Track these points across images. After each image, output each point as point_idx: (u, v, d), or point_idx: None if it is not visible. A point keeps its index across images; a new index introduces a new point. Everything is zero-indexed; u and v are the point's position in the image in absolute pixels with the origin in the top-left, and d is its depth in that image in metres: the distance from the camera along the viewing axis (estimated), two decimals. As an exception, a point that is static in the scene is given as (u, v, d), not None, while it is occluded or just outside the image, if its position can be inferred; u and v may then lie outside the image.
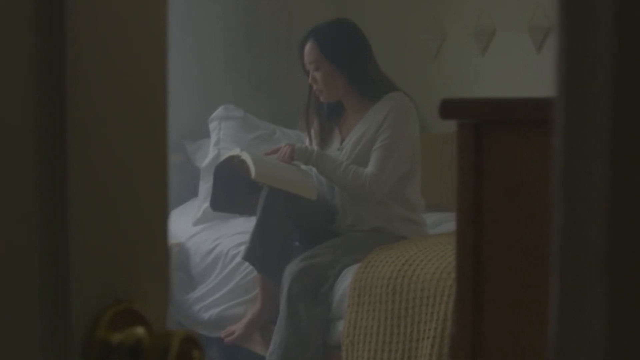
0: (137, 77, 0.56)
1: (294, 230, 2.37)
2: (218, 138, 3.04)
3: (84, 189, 0.50)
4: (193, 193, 3.08)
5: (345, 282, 2.18)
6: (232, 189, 2.47)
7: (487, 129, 0.80)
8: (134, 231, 0.55)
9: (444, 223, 2.78)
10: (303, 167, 2.49)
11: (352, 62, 2.42)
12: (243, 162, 2.34)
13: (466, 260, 0.78)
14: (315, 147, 2.46)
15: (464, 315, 0.80)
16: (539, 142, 0.79)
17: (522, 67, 3.09)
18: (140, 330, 0.52)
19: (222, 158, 2.50)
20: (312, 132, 2.58)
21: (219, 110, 3.11)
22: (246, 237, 2.40)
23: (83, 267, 0.50)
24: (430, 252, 2.08)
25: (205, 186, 2.84)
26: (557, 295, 0.39)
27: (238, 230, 2.71)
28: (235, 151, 2.43)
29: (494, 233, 0.79)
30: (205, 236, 2.79)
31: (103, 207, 0.52)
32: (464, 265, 0.79)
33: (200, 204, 2.89)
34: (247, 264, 2.44)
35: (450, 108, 0.80)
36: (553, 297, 0.39)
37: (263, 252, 2.33)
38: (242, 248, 2.44)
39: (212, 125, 3.09)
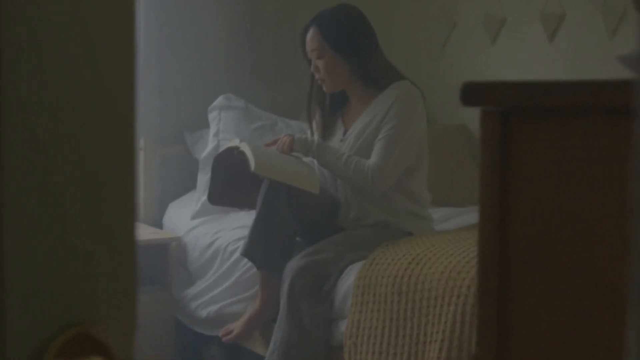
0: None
1: (296, 225, 2.27)
2: (218, 128, 2.94)
3: (21, 191, 0.40)
4: (193, 185, 2.99)
5: (349, 280, 2.08)
6: (231, 182, 2.37)
7: (516, 117, 0.70)
8: (91, 244, 0.45)
9: (450, 219, 2.68)
10: (305, 159, 2.39)
11: (356, 50, 2.31)
12: (242, 153, 2.23)
13: (490, 270, 0.68)
14: (315, 137, 2.35)
15: (488, 334, 0.70)
16: (577, 133, 0.69)
17: (533, 57, 2.98)
18: (97, 360, 0.43)
19: (221, 149, 2.40)
20: (314, 123, 2.47)
21: (219, 100, 3.02)
22: (247, 232, 2.30)
23: (22, 286, 0.40)
24: (438, 249, 1.98)
25: (204, 178, 2.75)
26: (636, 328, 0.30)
27: (238, 224, 2.62)
28: (235, 142, 2.33)
29: (523, 237, 0.69)
30: (204, 230, 2.70)
31: (47, 215, 0.42)
32: (488, 277, 0.68)
33: (199, 196, 2.80)
34: (246, 259, 2.34)
35: (473, 93, 0.70)
36: (632, 330, 0.30)
37: (263, 248, 2.23)
38: (242, 243, 2.34)
39: (212, 115, 3.00)
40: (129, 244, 0.50)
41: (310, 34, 2.34)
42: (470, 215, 2.70)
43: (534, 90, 0.69)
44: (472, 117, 3.22)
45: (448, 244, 2.01)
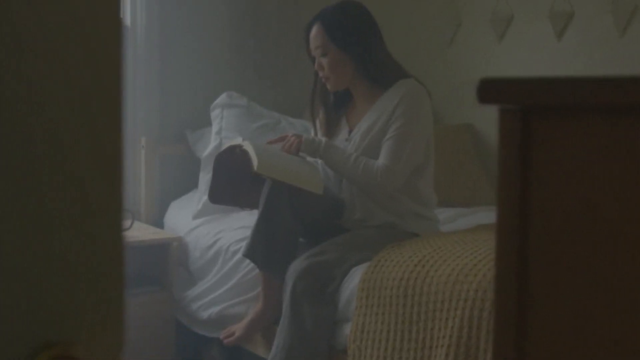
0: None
1: (299, 225, 2.22)
2: (220, 127, 2.90)
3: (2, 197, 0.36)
4: (194, 185, 2.95)
5: (353, 282, 2.04)
6: (233, 181, 2.32)
7: (537, 115, 0.66)
8: (74, 254, 0.40)
9: (456, 220, 2.64)
10: (309, 158, 2.35)
11: (361, 47, 2.26)
12: (245, 152, 2.18)
13: (509, 279, 0.64)
14: (323, 138, 2.30)
15: (505, 338, 0.66)
16: (601, 131, 0.64)
17: (541, 55, 2.93)
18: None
19: (223, 148, 2.35)
20: (318, 121, 2.43)
21: (222, 98, 2.98)
22: (249, 232, 2.25)
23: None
24: (444, 251, 1.93)
25: (206, 177, 2.71)
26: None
27: (240, 225, 2.58)
28: (237, 140, 2.28)
29: (544, 239, 0.65)
30: (205, 230, 2.66)
31: (29, 222, 0.37)
32: (506, 281, 0.64)
33: (201, 196, 2.76)
34: (248, 260, 2.29)
35: (490, 90, 0.65)
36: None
37: (265, 249, 2.18)
38: (244, 244, 2.29)
39: (214, 114, 2.96)
40: (115, 255, 0.46)
41: (313, 31, 2.30)
42: (477, 216, 2.65)
43: (555, 86, 0.64)
44: (477, 116, 3.17)
45: (455, 245, 1.96)
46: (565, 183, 0.64)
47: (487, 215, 2.63)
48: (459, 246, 1.95)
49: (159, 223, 2.94)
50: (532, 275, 0.66)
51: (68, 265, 0.41)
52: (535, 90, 0.65)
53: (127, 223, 2.60)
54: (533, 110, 0.65)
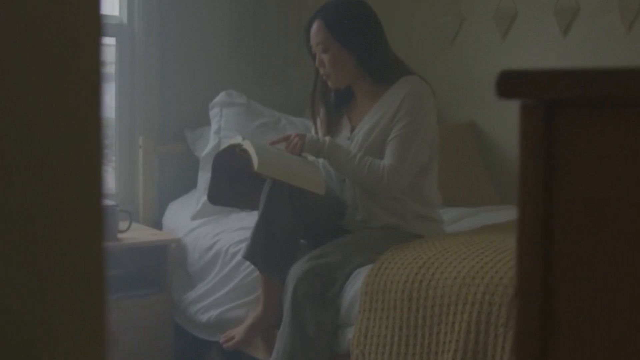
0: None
1: (300, 226, 2.17)
2: (219, 126, 2.85)
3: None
4: (193, 185, 2.90)
5: (356, 285, 1.98)
6: (232, 181, 2.27)
7: (561, 110, 0.60)
8: (47, 266, 0.35)
9: (461, 220, 2.59)
10: (310, 158, 2.29)
11: (363, 43, 2.21)
12: (245, 151, 2.13)
13: (533, 289, 0.58)
14: (327, 137, 2.24)
15: (529, 343, 0.61)
16: (630, 126, 0.59)
17: (546, 53, 2.88)
18: None
19: (223, 147, 2.30)
20: (319, 120, 2.37)
21: (221, 96, 2.93)
22: (249, 234, 2.20)
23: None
24: (450, 253, 1.87)
25: (205, 177, 2.65)
26: None
27: (240, 226, 2.53)
28: (237, 140, 2.22)
29: (571, 249, 0.60)
30: (204, 231, 2.61)
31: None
32: (529, 284, 0.59)
33: (200, 196, 2.71)
34: (248, 262, 2.24)
35: (511, 84, 0.60)
36: None
37: (265, 251, 2.13)
38: (243, 245, 2.24)
39: (213, 112, 2.91)
40: (96, 264, 0.41)
41: (314, 26, 2.24)
42: (481, 216, 2.60)
43: (581, 78, 0.59)
44: (480, 114, 3.12)
45: (461, 247, 1.91)
46: (592, 183, 0.59)
47: (491, 216, 2.58)
48: (465, 248, 1.90)
49: (157, 224, 2.89)
50: (558, 284, 0.61)
51: (40, 274, 0.36)
52: (559, 83, 0.59)
53: (125, 224, 2.55)
54: (557, 104, 0.59)
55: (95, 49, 0.44)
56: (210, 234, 2.57)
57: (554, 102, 0.59)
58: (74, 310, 0.38)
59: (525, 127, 0.60)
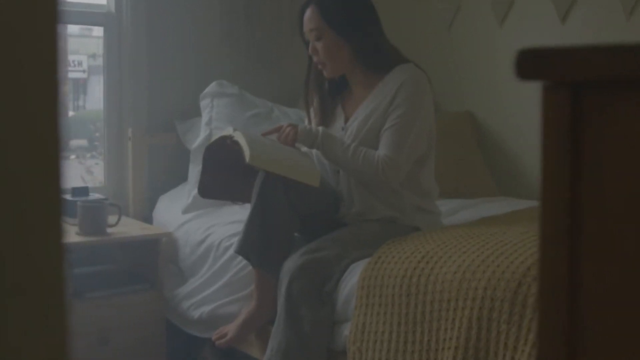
0: None
1: (294, 220, 2.10)
2: (210, 117, 2.78)
3: None
4: (184, 177, 2.84)
5: (352, 279, 1.92)
6: (224, 174, 2.20)
7: (591, 93, 0.54)
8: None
9: (458, 212, 2.53)
10: (304, 149, 2.23)
11: (359, 30, 2.14)
12: (236, 143, 2.06)
13: (558, 290, 0.52)
14: (320, 128, 2.18)
15: (553, 347, 0.55)
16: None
17: (544, 40, 2.81)
18: None
19: (214, 138, 2.23)
20: (312, 110, 2.30)
21: (212, 86, 2.86)
22: (241, 227, 2.13)
23: None
24: (449, 246, 1.81)
25: (196, 170, 2.59)
26: None
27: (232, 219, 2.46)
28: (228, 131, 2.15)
29: (600, 245, 0.54)
30: (196, 225, 2.54)
31: None
32: (554, 283, 0.53)
33: (191, 189, 2.64)
34: (241, 257, 2.17)
35: (532, 63, 0.53)
36: None
37: (259, 245, 2.06)
38: (236, 240, 2.17)
39: (204, 103, 2.84)
40: (54, 267, 0.35)
41: (308, 12, 2.17)
42: (479, 208, 2.54)
43: (614, 56, 0.52)
44: (477, 103, 3.05)
45: (460, 240, 1.84)
46: (624, 174, 0.52)
47: (490, 207, 2.52)
48: (465, 241, 1.84)
49: (147, 218, 2.82)
50: (585, 284, 0.55)
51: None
52: (588, 61, 0.53)
53: (114, 218, 2.48)
54: (585, 86, 0.53)
55: (51, 35, 0.40)
56: (201, 228, 2.51)
57: (581, 84, 0.53)
58: (30, 311, 0.33)
59: (549, 112, 0.53)
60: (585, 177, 0.52)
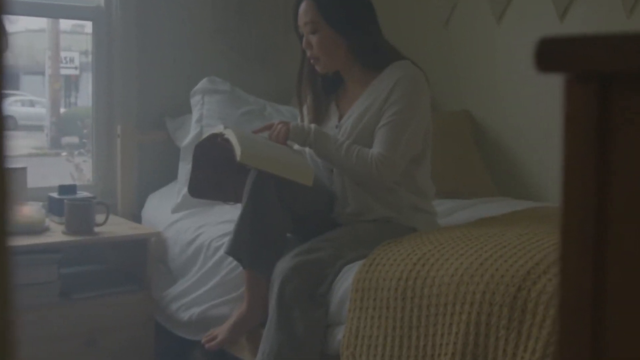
0: None
1: (286, 220, 2.05)
2: (201, 114, 2.72)
3: None
4: (174, 176, 2.78)
5: (346, 282, 1.86)
6: (215, 173, 2.14)
7: (621, 87, 0.49)
8: None
9: (455, 212, 2.47)
10: (296, 147, 2.17)
11: (357, 28, 2.08)
12: (227, 141, 2.00)
13: (582, 300, 0.47)
14: (312, 125, 2.12)
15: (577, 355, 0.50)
16: None
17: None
18: None
19: (204, 136, 2.17)
20: (305, 108, 2.24)
21: (203, 83, 2.80)
22: (232, 227, 2.07)
23: None
24: (446, 248, 1.76)
25: (186, 168, 2.53)
26: None
27: (223, 219, 2.41)
28: (219, 128, 2.09)
29: (628, 251, 0.48)
30: (185, 225, 2.48)
31: None
32: (577, 306, 0.48)
33: (180, 188, 2.58)
34: (231, 258, 2.12)
35: (554, 54, 0.48)
36: None
37: (250, 246, 2.01)
38: (227, 240, 2.11)
39: (195, 100, 2.78)
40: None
41: (304, 5, 2.11)
42: (477, 209, 2.49)
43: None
44: (475, 102, 3.00)
45: (458, 242, 1.79)
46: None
47: (488, 208, 2.47)
48: (462, 243, 1.78)
49: (136, 217, 2.76)
50: (611, 292, 0.50)
51: None
52: (617, 51, 0.47)
53: (102, 217, 2.42)
54: (614, 79, 0.47)
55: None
56: (191, 228, 2.45)
57: (610, 75, 0.47)
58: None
59: (573, 107, 0.48)
60: (614, 181, 0.47)
